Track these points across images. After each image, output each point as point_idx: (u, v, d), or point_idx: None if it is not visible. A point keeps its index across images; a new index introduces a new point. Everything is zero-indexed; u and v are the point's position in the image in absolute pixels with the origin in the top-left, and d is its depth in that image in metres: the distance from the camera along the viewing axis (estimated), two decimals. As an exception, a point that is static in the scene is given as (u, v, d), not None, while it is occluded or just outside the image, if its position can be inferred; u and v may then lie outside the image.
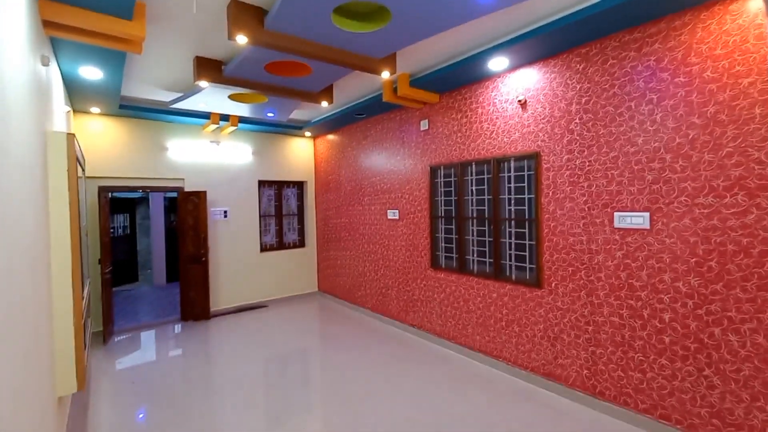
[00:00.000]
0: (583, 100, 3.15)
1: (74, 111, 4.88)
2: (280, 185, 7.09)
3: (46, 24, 2.44)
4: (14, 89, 1.60)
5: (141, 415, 3.21)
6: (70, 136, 2.62)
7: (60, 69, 3.41)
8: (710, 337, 2.54)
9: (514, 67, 3.65)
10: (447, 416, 3.08)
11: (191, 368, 4.16)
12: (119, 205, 9.38)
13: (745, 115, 2.36)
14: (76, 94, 4.14)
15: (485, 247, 4.09)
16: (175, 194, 9.42)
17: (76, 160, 2.73)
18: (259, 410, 3.27)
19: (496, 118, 3.86)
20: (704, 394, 2.57)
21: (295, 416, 3.17)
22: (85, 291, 3.68)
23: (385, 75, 3.52)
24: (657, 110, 2.73)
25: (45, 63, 2.37)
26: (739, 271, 2.40)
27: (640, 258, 2.85)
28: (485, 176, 4.04)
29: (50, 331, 2.33)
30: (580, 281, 3.23)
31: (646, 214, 2.79)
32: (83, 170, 4.02)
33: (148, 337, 5.23)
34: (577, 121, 3.20)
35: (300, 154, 7.16)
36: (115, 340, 5.09)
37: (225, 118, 5.51)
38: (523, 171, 3.67)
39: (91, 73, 3.49)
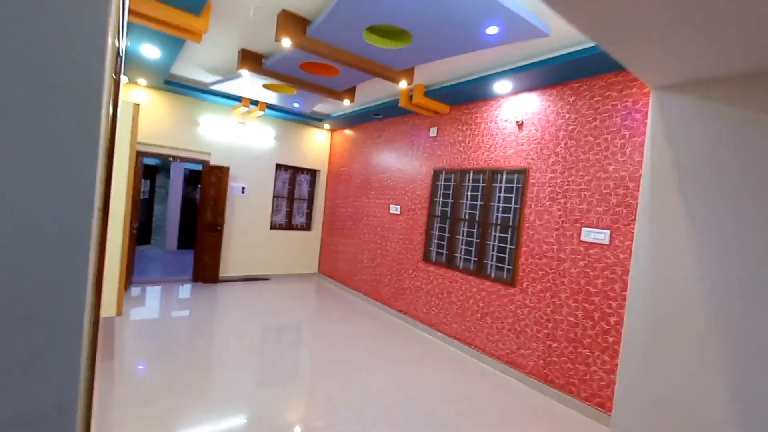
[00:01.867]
0: (570, 128, 3.64)
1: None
2: (295, 170, 7.63)
3: (131, 12, 2.98)
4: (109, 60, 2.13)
5: (149, 356, 3.76)
6: (136, 106, 3.16)
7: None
8: (644, 340, 3.02)
9: (516, 92, 4.14)
10: (418, 384, 3.59)
11: (200, 320, 4.71)
12: (142, 170, 9.98)
13: (693, 157, 2.83)
14: (131, 66, 4.70)
15: (472, 247, 4.58)
16: (195, 166, 10.01)
17: (137, 125, 3.27)
18: (256, 360, 3.81)
19: (496, 134, 4.35)
20: (633, 387, 3.05)
21: (289, 369, 3.70)
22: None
23: (403, 84, 4.03)
24: (627, 144, 3.22)
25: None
26: (673, 286, 2.88)
27: (598, 268, 3.34)
28: (480, 184, 4.54)
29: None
30: (547, 284, 3.72)
31: (607, 232, 3.28)
32: (129, 134, 4.58)
33: (162, 289, 5.80)
34: (562, 145, 3.69)
35: (317, 144, 7.70)
36: (132, 289, 5.66)
37: (255, 102, 6.06)
38: (513, 183, 4.16)
39: (150, 51, 4.04)
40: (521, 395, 3.60)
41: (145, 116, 5.72)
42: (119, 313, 3.09)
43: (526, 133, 4.03)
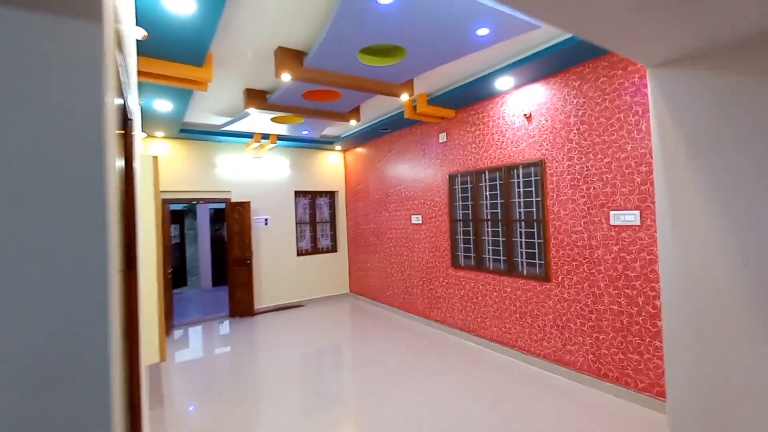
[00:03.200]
0: (580, 113, 3.55)
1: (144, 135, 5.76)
2: (313, 195, 7.77)
3: (139, 73, 3.17)
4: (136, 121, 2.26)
5: (198, 397, 3.85)
6: (155, 158, 3.33)
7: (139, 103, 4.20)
8: (696, 320, 2.85)
9: (519, 85, 4.09)
10: (463, 393, 3.51)
11: (242, 354, 4.81)
12: (170, 216, 10.43)
13: (715, 123, 2.70)
14: (149, 122, 4.97)
15: (499, 246, 4.50)
16: (218, 205, 10.37)
17: (158, 176, 3.43)
18: (299, 388, 3.83)
19: (506, 130, 4.30)
20: (693, 372, 2.87)
21: (332, 393, 3.70)
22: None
23: (404, 97, 4.07)
24: (642, 120, 3.10)
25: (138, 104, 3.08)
26: (717, 260, 2.72)
27: (634, 251, 3.20)
28: (497, 182, 4.47)
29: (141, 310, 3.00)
30: (583, 274, 3.59)
31: (637, 212, 3.15)
32: (153, 185, 4.82)
33: (202, 329, 5.97)
34: (575, 131, 3.60)
35: (331, 167, 7.83)
36: (175, 333, 5.85)
37: (266, 136, 6.25)
38: (531, 177, 4.08)
39: (163, 105, 4.26)
40: (573, 394, 3.45)
41: (166, 165, 6.00)
42: (163, 358, 3.20)
43: (536, 125, 3.96)
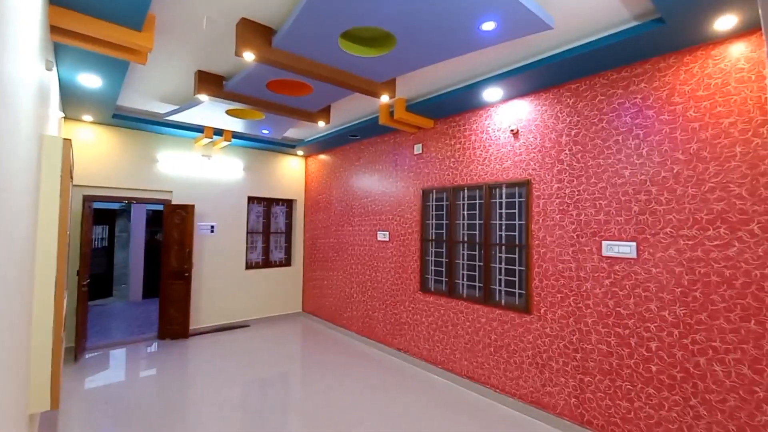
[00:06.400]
0: (573, 132, 3.30)
1: (66, 118, 4.81)
2: (269, 202, 7.05)
3: (54, 29, 2.44)
4: (22, 92, 1.59)
5: (112, 437, 3.02)
6: (67, 142, 2.58)
7: (58, 74, 3.39)
8: (696, 367, 2.59)
9: (507, 98, 3.81)
10: (435, 444, 3.00)
11: (168, 390, 3.97)
12: (98, 216, 9.12)
13: (726, 152, 2.51)
14: (71, 100, 4.10)
15: (475, 272, 4.12)
16: (157, 207, 9.24)
17: (70, 167, 2.68)
18: (239, 434, 3.13)
19: (489, 146, 3.98)
20: (691, 425, 2.60)
21: (278, 441, 3.03)
22: (64, 304, 3.52)
23: (385, 99, 3.62)
24: (643, 145, 2.88)
25: (49, 68, 2.36)
26: (723, 302, 2.49)
27: (628, 286, 2.93)
28: (477, 201, 4.12)
29: (29, 344, 2.21)
30: (569, 308, 3.28)
31: (633, 244, 2.89)
32: (71, 178, 3.93)
33: (122, 355, 4.99)
34: (567, 151, 3.33)
35: (291, 173, 7.17)
36: (87, 357, 4.84)
37: (219, 132, 5.52)
38: (515, 197, 3.77)
39: (90, 80, 3.48)
40: (556, 443, 3.07)
41: (92, 155, 5.06)
42: (54, 406, 2.39)
43: (523, 142, 3.67)
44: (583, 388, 3.17)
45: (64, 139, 2.58)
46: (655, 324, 2.78)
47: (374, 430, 3.18)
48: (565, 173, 3.35)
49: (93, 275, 8.03)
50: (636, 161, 2.91)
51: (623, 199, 2.97)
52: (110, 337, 5.61)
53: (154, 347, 5.26)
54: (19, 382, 1.86)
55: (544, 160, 3.50)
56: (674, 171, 2.73)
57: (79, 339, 4.72)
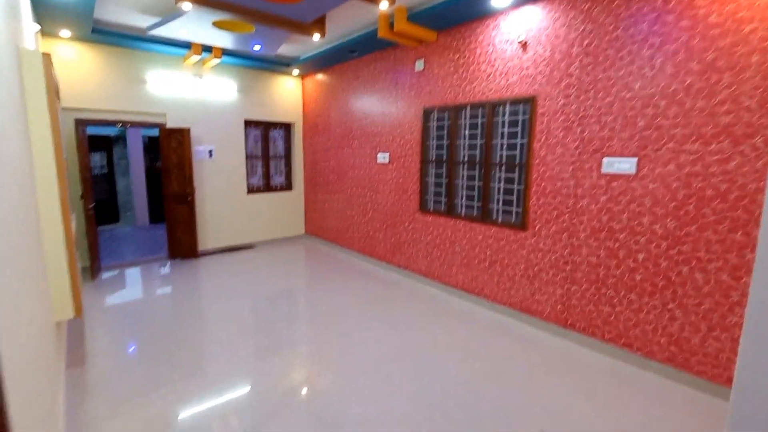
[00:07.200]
0: (585, 43, 3.10)
1: (43, 34, 4.48)
2: (266, 126, 6.87)
3: None
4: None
5: (133, 346, 3.34)
6: (46, 55, 2.44)
7: (25, -21, 3.08)
8: (678, 275, 2.75)
9: (517, 5, 3.51)
10: (431, 345, 3.32)
11: (183, 302, 4.28)
12: (95, 143, 8.94)
13: (742, 62, 2.39)
14: (44, 13, 3.78)
15: (474, 191, 4.17)
16: (154, 133, 9.04)
17: (54, 84, 2.57)
18: (250, 341, 3.45)
19: (495, 60, 3.77)
20: (665, 325, 2.84)
21: (287, 346, 3.35)
22: (72, 224, 3.63)
23: (384, 6, 3.34)
24: (657, 55, 2.73)
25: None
26: (714, 215, 2.56)
27: (623, 202, 2.99)
28: (479, 120, 4.02)
29: (42, 257, 2.33)
30: (563, 224, 3.38)
31: (634, 160, 2.89)
32: (58, 99, 3.79)
33: (136, 273, 5.28)
34: (577, 64, 3.17)
35: (287, 94, 6.88)
36: (103, 276, 5.12)
37: (208, 49, 5.19)
38: (518, 116, 3.67)
39: (60, -15, 3.17)
40: (539, 343, 3.39)
41: (77, 75, 4.82)
42: (78, 314, 2.60)
43: (531, 55, 3.47)
44: (569, 296, 3.41)
45: (43, 53, 2.44)
46: (645, 237, 2.89)
47: (373, 333, 3.50)
48: (572, 88, 3.22)
49: (98, 202, 8.15)
50: (648, 73, 2.78)
51: (629, 114, 2.90)
52: (123, 258, 5.87)
53: (166, 266, 5.54)
54: (41, 292, 2.00)
55: (552, 74, 3.34)
56: (686, 83, 2.62)
57: (93, 259, 4.96)
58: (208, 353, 3.17)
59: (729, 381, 2.54)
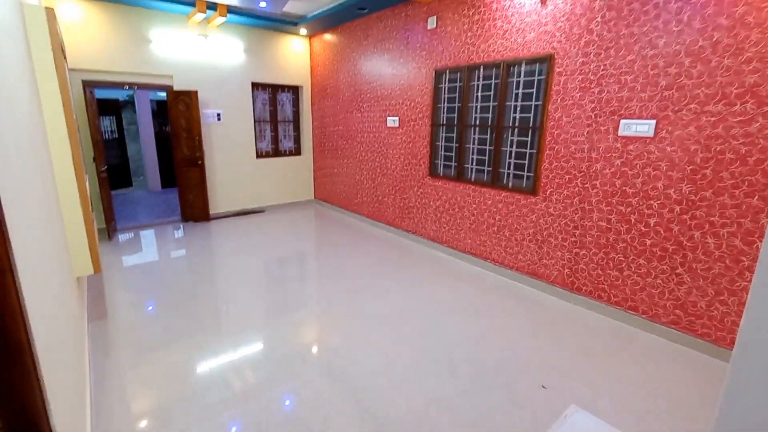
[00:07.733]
0: (609, -5, 2.92)
1: (43, -12, 4.36)
2: (274, 89, 6.75)
3: None
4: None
5: (151, 304, 3.47)
6: (49, 10, 2.39)
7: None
8: (689, 240, 2.73)
9: (537, -46, 3.29)
10: (438, 304, 3.40)
11: (198, 262, 4.40)
12: (104, 107, 8.91)
13: (777, 14, 2.24)
14: (44, -35, 3.66)
15: (485, 156, 4.11)
16: (162, 98, 8.96)
17: (59, 38, 2.53)
18: (263, 299, 3.56)
19: (512, 15, 3.59)
20: (672, 289, 2.86)
21: (298, 303, 3.46)
22: (86, 185, 3.69)
23: (395, -45, 3.15)
24: (685, 8, 2.57)
25: None
26: (732, 179, 2.50)
27: (638, 166, 2.92)
28: (493, 81, 3.89)
29: (59, 214, 2.39)
30: (575, 188, 3.34)
31: (653, 122, 2.79)
32: (65, 58, 3.74)
33: (151, 234, 5.41)
34: (599, 19, 3.01)
35: (295, 57, 6.70)
36: (119, 237, 5.26)
37: (212, 7, 5.02)
38: (534, 76, 3.54)
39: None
40: (545, 305, 3.45)
41: (82, 35, 4.73)
42: (97, 270, 2.70)
43: (551, 9, 3.30)
44: (577, 260, 3.42)
45: (46, 7, 2.39)
46: (659, 201, 2.85)
47: (381, 293, 3.58)
48: (592, 45, 3.07)
49: (110, 166, 8.22)
50: (674, 28, 2.63)
51: (651, 73, 2.77)
52: (137, 220, 6.00)
53: (180, 228, 5.66)
54: (61, 248, 2.06)
55: (572, 31, 3.18)
56: (713, 39, 2.48)
57: (109, 221, 5.08)
58: (224, 310, 3.30)
59: (732, 343, 2.57)
